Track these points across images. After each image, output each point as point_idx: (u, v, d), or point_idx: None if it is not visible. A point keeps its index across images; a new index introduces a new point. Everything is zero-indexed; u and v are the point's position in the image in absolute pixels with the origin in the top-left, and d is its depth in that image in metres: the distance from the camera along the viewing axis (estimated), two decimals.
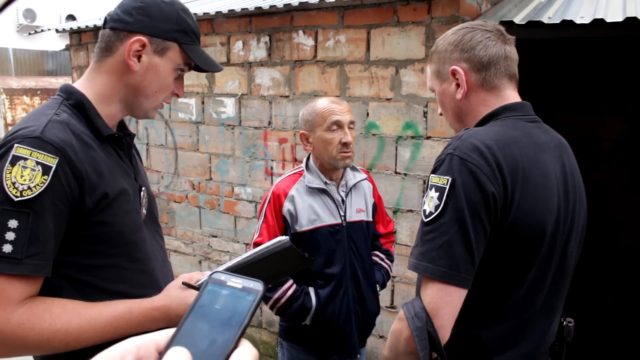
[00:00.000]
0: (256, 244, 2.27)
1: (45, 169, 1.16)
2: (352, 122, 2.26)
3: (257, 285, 0.53)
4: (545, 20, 2.88)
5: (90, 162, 1.26)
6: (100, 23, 4.83)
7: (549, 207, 1.31)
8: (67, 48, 6.40)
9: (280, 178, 2.40)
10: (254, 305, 0.51)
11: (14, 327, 1.15)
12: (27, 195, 1.15)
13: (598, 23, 2.68)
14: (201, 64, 1.45)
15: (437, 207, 1.25)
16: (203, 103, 4.34)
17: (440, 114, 1.57)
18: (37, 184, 1.15)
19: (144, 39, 1.35)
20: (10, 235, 1.14)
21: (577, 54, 4.70)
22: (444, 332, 1.24)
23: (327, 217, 2.26)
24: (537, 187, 1.30)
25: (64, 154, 1.19)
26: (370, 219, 2.40)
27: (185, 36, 1.41)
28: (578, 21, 2.73)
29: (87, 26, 5.03)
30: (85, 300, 1.27)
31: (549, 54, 4.52)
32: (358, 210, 2.34)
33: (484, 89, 1.41)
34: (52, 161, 1.17)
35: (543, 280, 1.37)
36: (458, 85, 1.43)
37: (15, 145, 1.17)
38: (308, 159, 2.37)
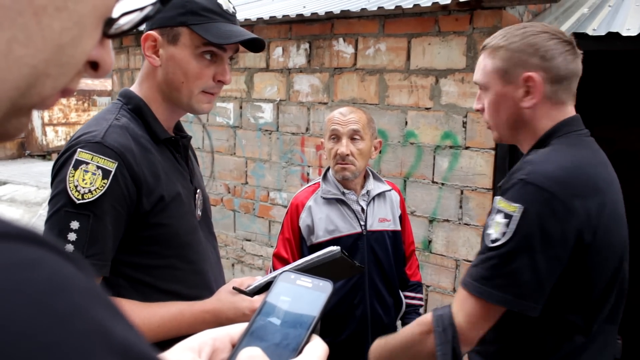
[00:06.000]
0: (274, 255, 2.29)
1: (105, 173, 1.21)
2: (355, 132, 2.14)
3: (327, 284, 0.56)
4: (590, 32, 2.85)
5: (148, 165, 1.30)
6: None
7: (624, 226, 1.29)
8: None
9: (301, 189, 2.38)
10: (324, 302, 0.54)
11: None
12: (88, 198, 1.20)
13: None
14: (212, 38, 1.30)
15: (504, 234, 1.20)
16: (241, 108, 4.40)
17: (478, 110, 1.45)
18: (98, 188, 1.20)
19: (153, 33, 1.34)
20: (71, 236, 1.19)
21: (617, 66, 4.63)
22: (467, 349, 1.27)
23: (346, 227, 2.21)
24: (617, 206, 1.27)
25: (123, 159, 1.24)
26: (398, 228, 2.32)
27: (195, 16, 1.31)
28: (624, 33, 2.69)
29: None
30: (142, 298, 1.32)
31: (588, 65, 4.47)
32: (381, 219, 2.27)
33: (551, 102, 1.33)
34: (111, 165, 1.22)
35: (608, 298, 1.32)
36: (527, 92, 1.32)
37: (78, 150, 1.22)
38: (328, 169, 2.31)
